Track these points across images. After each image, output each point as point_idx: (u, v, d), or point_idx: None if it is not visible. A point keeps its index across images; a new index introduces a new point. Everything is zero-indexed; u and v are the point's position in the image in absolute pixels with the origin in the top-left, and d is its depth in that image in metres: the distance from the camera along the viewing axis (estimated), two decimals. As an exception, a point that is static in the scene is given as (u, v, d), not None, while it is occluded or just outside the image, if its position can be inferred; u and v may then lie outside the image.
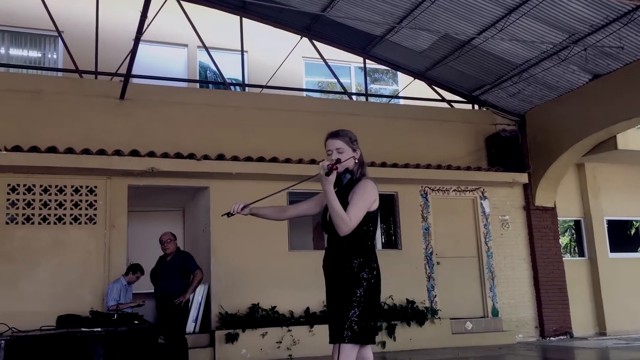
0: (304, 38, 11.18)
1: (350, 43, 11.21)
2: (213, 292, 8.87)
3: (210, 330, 8.72)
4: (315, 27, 10.94)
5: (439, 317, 9.86)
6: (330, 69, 11.38)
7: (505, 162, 11.05)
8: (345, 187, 3.18)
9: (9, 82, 8.97)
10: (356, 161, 3.27)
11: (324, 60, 11.30)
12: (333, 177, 3.00)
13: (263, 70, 11.60)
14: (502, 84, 10.84)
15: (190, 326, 8.43)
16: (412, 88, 12.06)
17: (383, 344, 9.21)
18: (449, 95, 11.88)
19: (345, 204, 3.05)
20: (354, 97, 12.21)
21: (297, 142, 9.78)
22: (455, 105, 11.89)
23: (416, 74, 11.58)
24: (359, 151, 3.31)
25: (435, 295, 10.17)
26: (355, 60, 12.15)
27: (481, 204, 10.95)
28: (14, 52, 10.66)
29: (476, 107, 11.96)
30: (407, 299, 9.75)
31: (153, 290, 7.66)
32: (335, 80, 11.73)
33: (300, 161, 9.43)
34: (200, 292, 8.71)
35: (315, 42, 11.22)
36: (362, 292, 3.04)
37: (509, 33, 9.17)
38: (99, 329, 4.91)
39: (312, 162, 9.44)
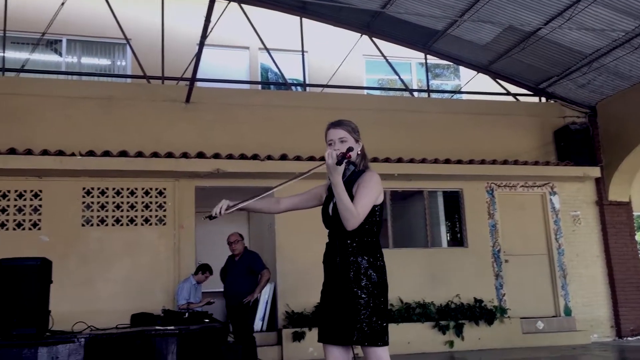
0: (364, 36, 11.14)
1: (411, 39, 11.08)
2: (279, 291, 8.97)
3: (277, 328, 8.82)
4: (375, 25, 10.87)
5: (509, 317, 9.61)
6: (391, 66, 11.29)
7: (575, 155, 10.65)
8: (348, 180, 3.02)
9: (82, 90, 9.36)
10: (359, 152, 3.12)
11: (385, 57, 11.22)
12: (342, 167, 2.89)
13: (323, 70, 11.64)
14: (570, 75, 10.45)
15: (257, 324, 8.57)
16: (474, 82, 11.81)
17: (451, 343, 9.07)
18: (513, 89, 11.57)
19: (349, 197, 2.91)
20: (415, 94, 12.07)
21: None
22: (521, 98, 11.56)
23: (479, 68, 11.33)
24: (361, 142, 3.16)
25: (504, 294, 9.92)
26: (416, 56, 12.01)
27: (550, 199, 10.60)
28: (86, 60, 11.11)
29: (543, 99, 11.59)
30: (474, 298, 9.56)
31: (222, 289, 7.82)
32: (396, 77, 11.63)
33: (362, 159, 9.39)
34: (266, 291, 8.83)
35: (375, 39, 11.16)
36: (370, 291, 2.90)
37: (577, 22, 8.83)
38: (173, 328, 5.05)
39: (375, 160, 9.40)
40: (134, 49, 10.22)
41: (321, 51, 12.17)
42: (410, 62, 13.03)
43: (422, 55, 11.57)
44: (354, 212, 2.87)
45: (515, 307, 9.80)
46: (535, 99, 11.65)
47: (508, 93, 11.51)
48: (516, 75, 11.23)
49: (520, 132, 10.94)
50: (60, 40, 10.72)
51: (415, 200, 10.50)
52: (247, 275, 7.41)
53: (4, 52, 9.86)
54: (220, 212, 3.06)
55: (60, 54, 10.81)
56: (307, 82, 11.36)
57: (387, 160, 9.60)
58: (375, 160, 9.38)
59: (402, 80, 11.48)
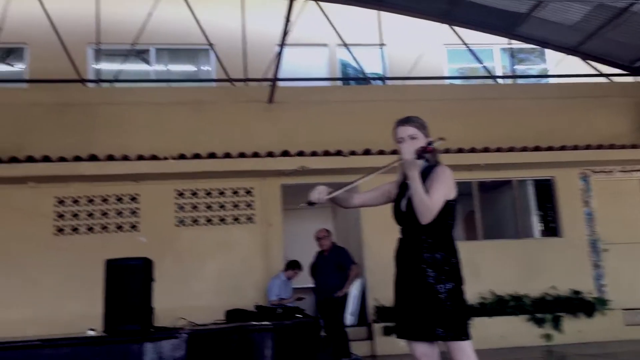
0: (443, 24, 10.92)
1: (492, 24, 10.77)
2: (368, 286, 8.97)
3: (367, 323, 8.84)
4: (454, 12, 10.64)
5: (610, 308, 9.15)
6: (473, 53, 11.01)
7: (678, 136, 9.99)
8: (420, 175, 2.99)
9: (171, 96, 9.76)
10: (430, 155, 3.08)
11: (466, 45, 10.96)
12: (421, 161, 2.91)
13: (403, 62, 11.51)
14: (669, 50, 9.81)
15: (348, 319, 8.61)
16: (562, 65, 11.31)
17: (548, 336, 8.75)
18: (605, 69, 10.98)
19: None
20: (499, 81, 11.71)
21: (443, 132, 9.52)
22: (614, 78, 10.96)
23: (568, 50, 10.84)
24: (430, 137, 3.12)
25: (604, 285, 9.45)
26: (499, 41, 11.64)
27: (652, 184, 9.99)
28: (173, 67, 11.56)
29: (638, 79, 10.93)
30: (571, 289, 9.17)
31: (311, 285, 7.93)
32: (476, 65, 11.33)
33: (447, 151, 9.23)
34: (356, 286, 8.85)
35: (455, 27, 10.92)
36: (448, 286, 2.88)
37: (676, -7, 8.28)
38: (268, 323, 5.17)
39: (460, 150, 9.22)
40: (217, 54, 10.53)
41: (400, 43, 12.03)
42: (492, 48, 12.64)
43: (504, 40, 11.21)
44: (430, 206, 2.88)
45: (617, 298, 9.31)
46: (630, 79, 11.00)
47: (601, 74, 10.94)
48: (608, 55, 10.67)
49: (615, 115, 10.37)
50: (149, 50, 11.20)
51: (504, 191, 10.19)
52: (336, 270, 7.47)
53: (99, 65, 10.43)
54: (321, 199, 3.12)
55: (150, 63, 11.30)
56: (387, 75, 11.28)
57: (472, 150, 9.38)
58: (460, 150, 9.21)
59: (485, 68, 11.17)
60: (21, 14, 10.20)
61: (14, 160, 8.37)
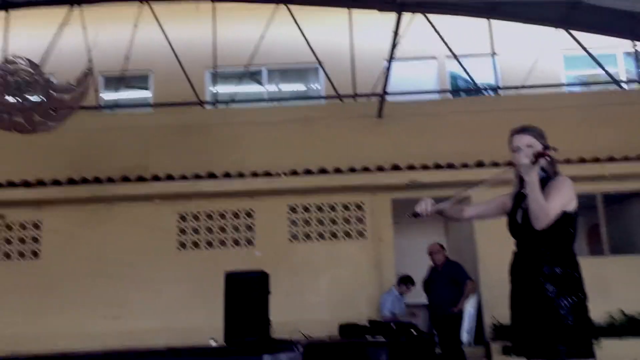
0: (559, 30, 10.44)
1: (615, 27, 10.14)
2: (484, 303, 8.66)
3: (484, 342, 8.52)
4: (572, 16, 10.14)
5: None
6: (594, 59, 10.41)
7: None
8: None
9: (283, 115, 10.05)
10: (548, 159, 2.94)
11: (586, 50, 10.39)
12: (538, 166, 2.81)
13: (516, 71, 11.10)
14: None
15: (464, 337, 8.36)
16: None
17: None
18: None
19: None
20: (625, 86, 10.97)
21: (560, 141, 9.03)
22: None
23: (702, 49, 9.98)
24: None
25: None
26: (622, 45, 10.93)
27: None
28: (284, 87, 11.92)
29: None
30: None
31: (424, 301, 7.78)
32: (597, 72, 10.68)
33: (568, 161, 8.75)
34: (471, 303, 8.58)
35: (573, 32, 10.39)
36: (570, 301, 2.74)
37: None
38: (383, 338, 5.15)
39: (582, 161, 8.73)
40: (326, 71, 10.73)
41: (512, 52, 11.63)
42: (614, 53, 11.89)
43: (629, 43, 10.51)
44: (546, 210, 2.78)
45: None
46: None
47: None
48: None
49: None
50: (261, 71, 11.63)
51: (633, 203, 9.48)
52: (451, 285, 7.30)
53: (216, 87, 10.98)
54: (426, 211, 3.12)
55: (262, 84, 11.72)
56: (499, 85, 10.94)
57: (596, 160, 8.83)
58: (583, 161, 8.71)
59: (608, 73, 10.52)
60: (146, 43, 10.96)
61: (140, 179, 8.97)
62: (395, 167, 8.99)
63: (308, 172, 9.00)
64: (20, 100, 7.30)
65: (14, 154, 9.48)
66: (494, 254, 8.76)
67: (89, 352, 6.44)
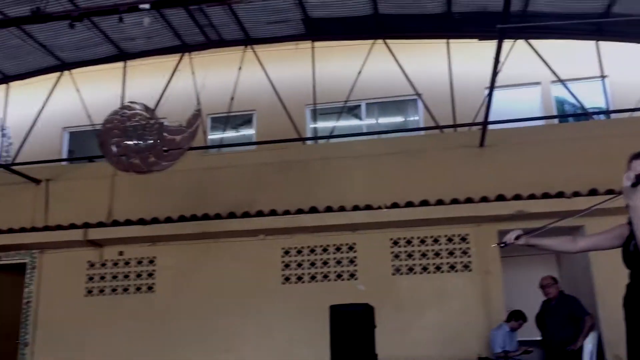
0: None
1: None
2: (605, 340, 8.08)
3: (606, 382, 7.92)
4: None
5: None
6: None
7: None
8: None
9: (382, 148, 10.06)
10: None
11: None
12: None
13: (629, 93, 10.49)
14: None
15: (583, 377, 7.82)
16: None
17: None
18: None
19: None
20: None
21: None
22: None
23: None
24: None
25: None
26: None
27: None
28: (383, 120, 11.96)
29: None
30: None
31: (538, 337, 7.38)
32: None
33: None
34: (590, 340, 8.03)
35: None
36: None
37: None
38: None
39: None
40: (425, 103, 10.68)
41: (624, 73, 11.03)
42: None
43: None
44: None
45: None
46: None
47: None
48: None
49: None
50: (360, 105, 11.76)
51: None
52: (567, 321, 6.88)
53: (315, 123, 11.23)
54: (511, 240, 3.13)
55: (360, 118, 11.83)
56: (610, 108, 10.37)
57: None
58: None
59: None
60: (249, 84, 11.45)
61: (246, 215, 9.27)
62: (501, 197, 8.70)
63: (409, 204, 8.91)
64: (137, 143, 7.82)
65: (131, 194, 10.14)
66: (613, 287, 8.18)
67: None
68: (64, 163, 11.86)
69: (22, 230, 9.86)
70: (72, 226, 9.60)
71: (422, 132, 11.08)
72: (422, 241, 9.05)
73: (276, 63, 11.57)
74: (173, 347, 9.06)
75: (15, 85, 12.28)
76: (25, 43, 10.75)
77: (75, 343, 9.34)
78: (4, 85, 12.22)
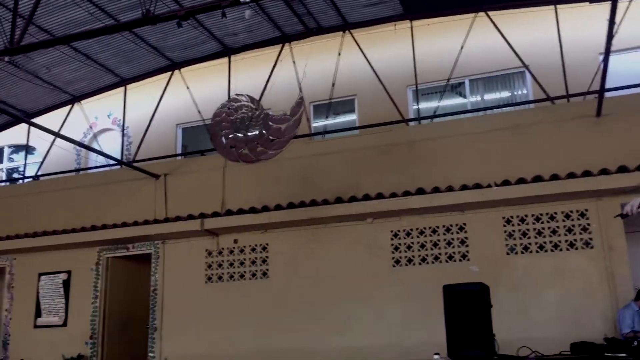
0: None
1: None
2: None
3: None
4: None
5: None
6: None
7: None
8: None
9: (488, 124, 9.73)
10: None
11: None
12: None
13: None
14: None
15: None
16: None
17: None
18: None
19: None
20: None
21: None
22: None
23: None
24: None
25: None
26: None
27: None
28: (488, 96, 11.55)
29: None
30: None
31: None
32: None
33: None
34: None
35: None
36: None
37: None
38: (624, 357, 4.65)
39: None
40: (533, 74, 10.20)
41: None
42: None
43: None
44: None
45: None
46: None
47: None
48: None
49: None
50: (463, 83, 11.44)
51: None
52: None
53: (418, 104, 11.06)
54: (632, 210, 2.84)
55: (464, 96, 11.51)
56: None
57: None
58: None
59: None
60: (350, 69, 11.49)
61: (353, 199, 9.32)
62: (622, 169, 8.14)
63: (521, 181, 8.56)
64: (245, 134, 8.09)
65: (242, 184, 10.53)
66: None
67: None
68: (179, 158, 12.53)
69: (146, 222, 10.53)
70: (190, 217, 10.12)
71: (532, 106, 10.61)
72: (537, 219, 8.67)
73: (375, 46, 11.51)
74: (287, 330, 9.34)
75: (131, 87, 13.09)
76: (138, 46, 11.44)
77: (197, 327, 9.88)
78: (121, 88, 13.06)
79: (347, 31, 11.57)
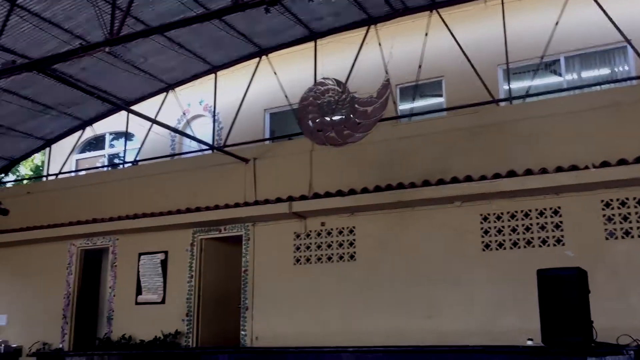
0: None
1: None
2: None
3: None
4: None
5: None
6: None
7: None
8: None
9: (586, 103, 9.26)
10: None
11: None
12: None
13: None
14: None
15: None
16: None
17: None
18: None
19: None
20: None
21: None
22: None
23: None
24: None
25: None
26: None
27: None
28: (585, 74, 10.95)
29: None
30: None
31: None
32: None
33: None
34: None
35: None
36: None
37: None
38: None
39: None
40: (635, 48, 9.58)
41: None
42: None
43: None
44: None
45: None
46: None
47: None
48: None
49: None
50: (558, 60, 10.91)
51: None
52: None
53: (509, 84, 10.67)
54: None
55: (559, 74, 10.98)
56: None
57: None
58: None
59: None
60: (436, 50, 11.26)
61: (440, 182, 9.18)
62: None
63: (622, 162, 8.09)
64: (331, 117, 8.15)
65: (328, 167, 10.62)
66: None
67: (412, 347, 6.78)
68: (267, 142, 12.80)
69: (237, 205, 10.87)
70: (278, 200, 10.34)
71: (634, 82, 9.98)
72: None
73: (463, 25, 11.20)
74: (374, 313, 9.38)
75: (220, 73, 13.48)
76: (227, 34, 11.74)
77: (286, 308, 10.12)
78: (212, 75, 13.48)
79: (434, 10, 11.32)
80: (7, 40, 10.72)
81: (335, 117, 8.14)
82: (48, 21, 10.73)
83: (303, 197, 10.25)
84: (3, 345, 12.02)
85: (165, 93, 14.22)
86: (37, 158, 18.51)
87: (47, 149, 16.02)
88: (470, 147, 9.67)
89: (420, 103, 11.93)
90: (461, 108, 10.27)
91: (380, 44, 11.43)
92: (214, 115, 13.55)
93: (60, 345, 11.98)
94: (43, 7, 10.42)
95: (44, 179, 15.82)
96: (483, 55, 10.93)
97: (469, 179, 9.00)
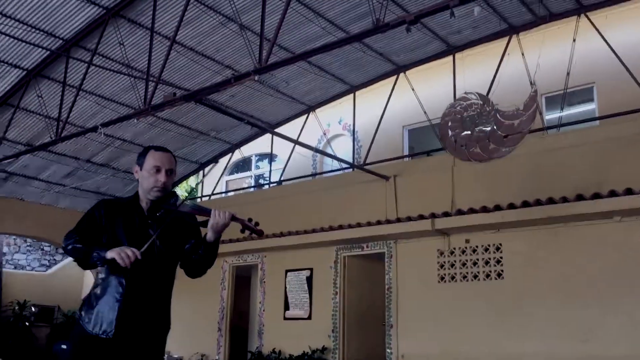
0: None
1: None
2: None
3: None
4: None
5: None
6: None
7: None
8: None
9: None
10: None
11: None
12: None
13: None
14: None
15: None
16: None
17: None
18: None
19: None
20: None
21: None
22: None
23: None
24: None
25: None
26: None
27: None
28: None
29: None
30: None
31: None
32: None
33: None
34: None
35: None
36: None
37: None
38: None
39: None
40: None
41: None
42: None
43: None
44: None
45: None
46: None
47: None
48: None
49: None
50: None
51: None
52: None
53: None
54: None
55: None
56: None
57: None
58: None
59: None
60: (585, 56, 10.59)
61: (596, 196, 8.59)
62: None
63: None
64: (475, 132, 7.97)
65: (471, 183, 10.37)
66: None
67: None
68: (406, 159, 12.78)
69: (378, 222, 10.94)
70: (421, 217, 10.26)
71: None
72: None
73: (615, 27, 10.45)
74: (526, 334, 8.95)
75: (358, 93, 13.72)
76: (365, 54, 11.94)
77: (432, 326, 9.97)
78: (350, 95, 13.76)
79: (582, 14, 10.70)
80: (166, 74, 11.74)
81: (479, 132, 7.95)
82: (201, 54, 11.62)
83: (446, 214, 10.08)
84: (167, 355, 13.04)
85: (306, 115, 14.73)
86: (192, 180, 19.92)
87: (201, 171, 17.23)
88: (629, 158, 8.98)
89: (569, 112, 11.28)
90: (616, 116, 9.56)
91: (522, 54, 11.01)
92: (353, 134, 13.79)
93: (217, 357, 12.75)
94: (197, 42, 11.31)
95: (198, 200, 17.01)
96: (639, 57, 10.12)
97: (629, 191, 8.33)
